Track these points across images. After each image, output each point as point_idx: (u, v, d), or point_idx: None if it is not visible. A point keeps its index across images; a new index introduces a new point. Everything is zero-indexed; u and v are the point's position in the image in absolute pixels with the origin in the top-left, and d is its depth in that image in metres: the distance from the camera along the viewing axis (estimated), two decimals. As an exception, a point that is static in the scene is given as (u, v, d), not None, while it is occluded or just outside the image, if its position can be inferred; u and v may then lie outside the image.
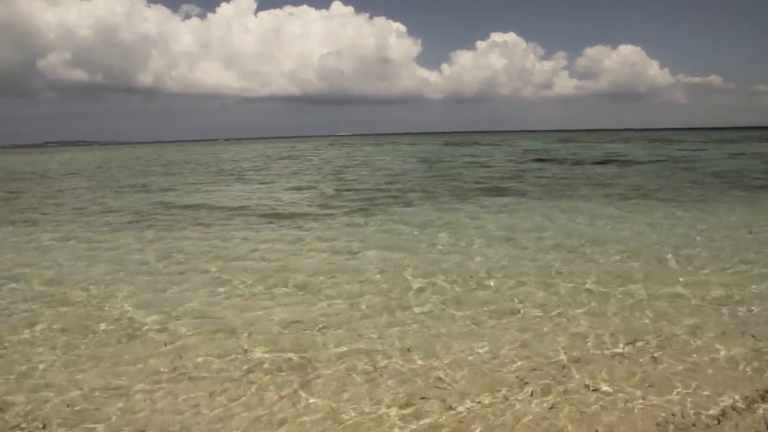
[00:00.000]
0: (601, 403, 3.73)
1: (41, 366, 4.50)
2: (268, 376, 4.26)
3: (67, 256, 8.56)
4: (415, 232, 9.77)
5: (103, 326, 5.37)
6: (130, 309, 5.85)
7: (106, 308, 5.93)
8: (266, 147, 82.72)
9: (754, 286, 6.07)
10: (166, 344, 4.90)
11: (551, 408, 3.68)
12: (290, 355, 4.62)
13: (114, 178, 26.46)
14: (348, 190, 17.66)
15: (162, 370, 4.40)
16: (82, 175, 30.23)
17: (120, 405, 3.86)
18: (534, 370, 4.22)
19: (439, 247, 8.51)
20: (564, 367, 4.25)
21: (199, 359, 4.58)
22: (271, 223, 11.34)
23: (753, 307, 5.43)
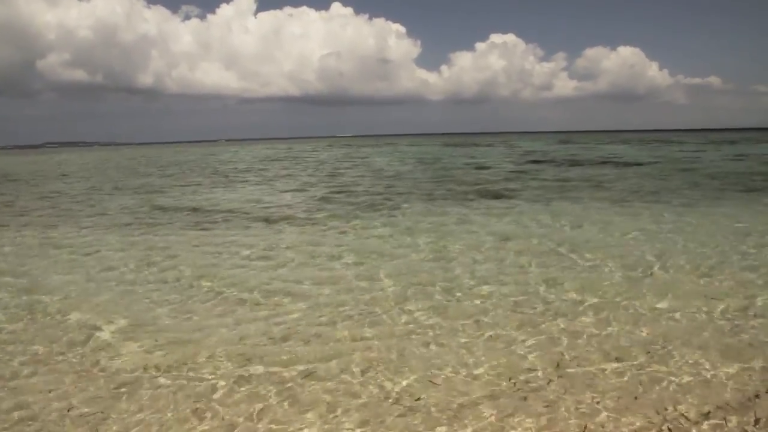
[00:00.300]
0: (582, 416, 3.55)
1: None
2: (232, 390, 4.08)
3: (47, 261, 8.40)
4: (401, 238, 9.55)
5: (67, 336, 5.19)
6: (100, 318, 5.67)
7: (73, 318, 5.74)
8: (265, 148, 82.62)
9: (736, 297, 5.88)
10: (129, 355, 4.72)
11: (529, 424, 3.49)
12: (258, 367, 4.43)
13: (109, 180, 26.28)
14: (340, 192, 17.48)
15: (123, 382, 4.22)
16: (76, 176, 30.06)
17: (79, 419, 3.68)
18: (512, 382, 4.04)
19: (423, 253, 8.29)
20: (544, 380, 4.06)
21: (163, 371, 4.39)
22: (256, 227, 11.17)
23: (736, 315, 5.25)
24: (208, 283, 6.84)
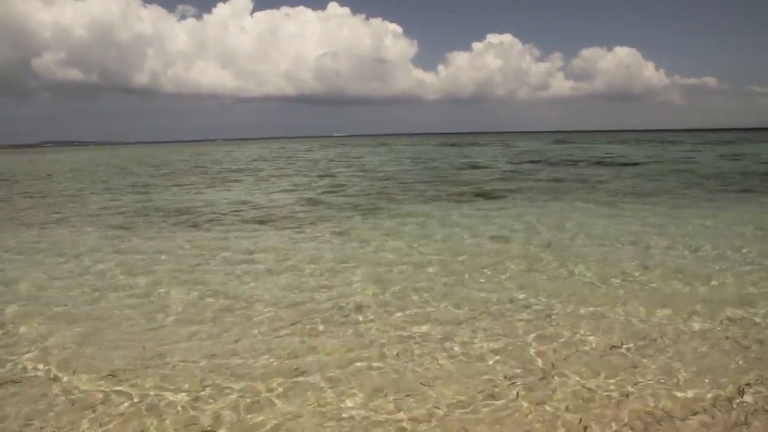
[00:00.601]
0: (561, 428, 3.31)
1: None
2: (195, 405, 3.81)
3: (14, 264, 8.12)
4: (383, 241, 9.21)
5: (23, 347, 4.91)
6: (60, 327, 5.40)
7: (30, 327, 5.46)
8: (260, 147, 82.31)
9: (719, 303, 5.63)
10: (89, 366, 4.43)
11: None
12: (223, 380, 4.15)
13: (98, 180, 25.94)
14: (329, 193, 17.22)
15: (80, 397, 3.94)
16: (66, 176, 29.71)
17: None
18: (484, 395, 3.77)
19: (403, 257, 8.00)
20: (517, 392, 3.79)
21: (125, 384, 4.11)
22: (239, 229, 10.87)
23: (717, 322, 5.00)
24: (181, 289, 6.57)
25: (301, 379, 4.17)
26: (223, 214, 13.01)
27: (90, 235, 10.48)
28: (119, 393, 3.99)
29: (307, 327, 5.23)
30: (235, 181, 23.47)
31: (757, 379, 3.95)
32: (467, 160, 34.64)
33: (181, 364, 4.48)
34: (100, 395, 3.97)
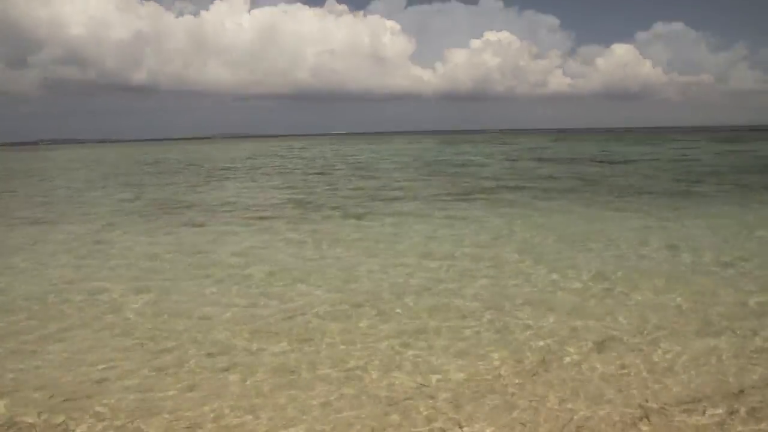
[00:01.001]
0: None
1: None
2: None
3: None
4: (352, 245, 8.93)
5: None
6: None
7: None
8: (258, 145, 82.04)
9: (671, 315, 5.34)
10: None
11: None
12: (140, 411, 3.84)
13: (89, 177, 25.65)
14: (316, 191, 16.96)
15: None
16: (58, 174, 29.41)
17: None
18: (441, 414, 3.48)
19: (369, 263, 7.65)
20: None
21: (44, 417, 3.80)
22: (212, 233, 10.54)
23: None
24: (145, 297, 6.20)
25: (258, 399, 3.87)
26: (207, 214, 12.70)
27: (66, 236, 10.17)
28: (70, 418, 3.67)
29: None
30: (227, 179, 23.18)
31: (753, 386, 3.73)
32: (464, 157, 34.40)
33: (127, 381, 4.14)
34: (39, 422, 3.66)
